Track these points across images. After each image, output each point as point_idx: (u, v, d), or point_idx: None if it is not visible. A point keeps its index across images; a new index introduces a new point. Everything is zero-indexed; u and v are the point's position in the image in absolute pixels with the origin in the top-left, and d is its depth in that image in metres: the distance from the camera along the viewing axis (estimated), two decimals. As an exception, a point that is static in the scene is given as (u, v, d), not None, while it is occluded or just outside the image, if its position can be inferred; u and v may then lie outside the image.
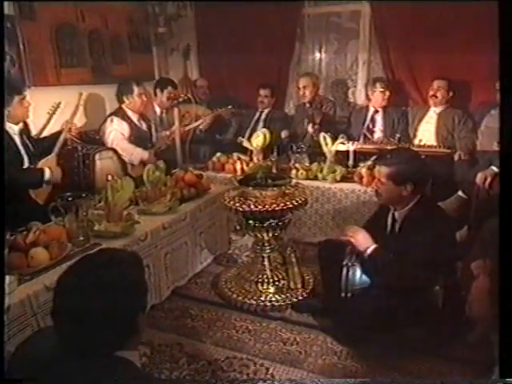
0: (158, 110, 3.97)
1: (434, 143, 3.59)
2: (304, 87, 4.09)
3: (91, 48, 3.85)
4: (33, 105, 2.87)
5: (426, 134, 3.74)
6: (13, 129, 2.75)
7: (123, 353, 1.04)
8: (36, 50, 3.36)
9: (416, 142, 3.67)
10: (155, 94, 3.98)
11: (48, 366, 1.04)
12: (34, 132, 3.11)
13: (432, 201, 2.15)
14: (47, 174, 2.80)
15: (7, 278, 1.74)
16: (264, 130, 3.36)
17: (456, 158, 3.37)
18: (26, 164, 2.83)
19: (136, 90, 3.52)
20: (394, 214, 2.13)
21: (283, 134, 3.97)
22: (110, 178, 2.45)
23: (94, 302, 0.98)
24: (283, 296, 2.49)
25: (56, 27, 3.51)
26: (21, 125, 2.82)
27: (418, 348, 2.06)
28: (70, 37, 3.65)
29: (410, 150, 2.51)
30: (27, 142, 2.86)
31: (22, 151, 2.81)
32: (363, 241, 2.07)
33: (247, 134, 3.94)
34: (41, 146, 2.98)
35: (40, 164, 2.86)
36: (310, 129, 3.76)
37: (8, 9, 3.14)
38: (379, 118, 3.92)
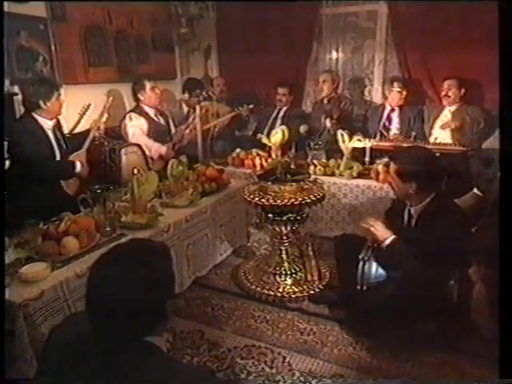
0: (185, 109, 4.00)
1: (450, 141, 3.53)
2: (323, 81, 4.07)
3: (117, 48, 3.90)
4: (66, 102, 2.93)
5: (442, 132, 3.68)
6: (47, 124, 2.80)
7: (151, 338, 1.05)
8: (66, 50, 3.42)
9: (431, 139, 3.62)
10: (183, 93, 4.00)
11: (80, 348, 1.06)
12: (65, 129, 3.16)
13: (448, 198, 2.11)
14: (78, 166, 2.85)
15: (41, 264, 1.79)
16: (283, 127, 3.35)
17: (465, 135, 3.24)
18: (58, 158, 2.88)
19: (148, 85, 3.56)
20: (410, 210, 2.10)
21: (302, 128, 3.94)
22: (135, 171, 2.48)
23: (126, 289, 0.99)
24: (300, 288, 2.49)
25: (85, 28, 3.57)
26: (54, 121, 2.87)
27: (432, 341, 2.04)
28: (98, 37, 3.71)
29: (424, 148, 2.47)
30: (59, 137, 2.92)
31: (55, 146, 2.86)
32: (383, 231, 2.04)
33: (266, 131, 3.94)
34: (71, 142, 3.04)
35: (71, 158, 2.91)
36: (327, 123, 3.73)
37: (41, 11, 3.20)
38: (395, 116, 3.87)
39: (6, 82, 2.84)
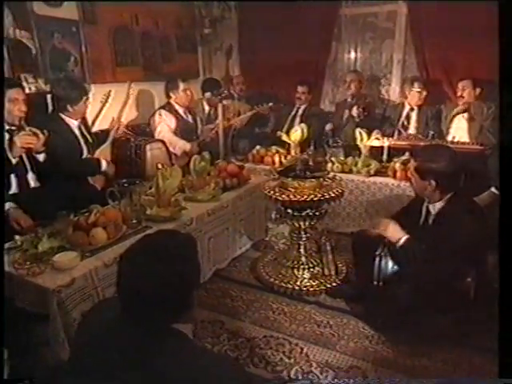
0: (206, 107, 4.02)
1: (467, 140, 3.45)
2: (351, 81, 4.03)
3: (143, 48, 3.95)
4: (92, 102, 2.98)
5: (459, 131, 3.60)
6: (73, 123, 2.87)
7: (178, 325, 1.06)
8: (96, 50, 3.49)
9: (449, 138, 3.55)
10: (203, 93, 4.02)
11: (110, 332, 1.08)
12: (89, 120, 3.22)
13: (467, 196, 2.08)
14: (104, 165, 2.91)
15: (72, 253, 1.83)
16: (302, 125, 3.34)
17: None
18: (85, 153, 2.95)
19: (181, 85, 3.62)
20: (428, 207, 2.07)
21: (327, 127, 3.93)
22: (159, 166, 2.50)
23: (154, 277, 1.00)
24: (317, 282, 2.48)
25: (114, 30, 3.63)
26: (79, 119, 2.93)
27: (448, 336, 2.01)
28: (125, 38, 3.77)
29: (445, 147, 2.42)
30: (85, 133, 2.98)
31: (82, 142, 2.93)
32: (394, 233, 2.03)
33: (285, 129, 3.94)
34: (96, 137, 3.10)
35: (97, 153, 2.97)
36: (354, 111, 3.69)
37: (73, 14, 3.28)
38: (414, 115, 3.81)
39: (40, 82, 2.90)
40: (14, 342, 1.49)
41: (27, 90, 2.78)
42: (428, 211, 2.08)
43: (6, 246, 1.91)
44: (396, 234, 2.02)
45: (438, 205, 2.01)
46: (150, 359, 1.00)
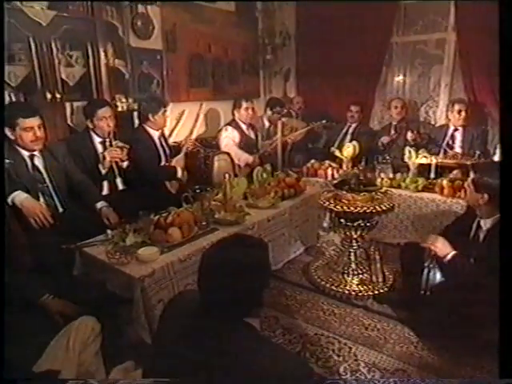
0: (266, 123, 4.06)
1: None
2: (402, 107, 3.95)
3: (213, 72, 4.06)
4: (170, 117, 3.12)
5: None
6: (154, 133, 3.02)
7: (249, 319, 1.07)
8: (174, 74, 3.64)
9: (496, 159, 3.31)
10: (265, 111, 4.07)
11: (189, 321, 1.11)
12: (167, 133, 3.36)
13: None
14: (179, 172, 3.02)
15: (153, 248, 1.91)
16: (354, 142, 3.27)
17: None
18: (163, 161, 3.09)
19: (244, 104, 3.67)
20: (479, 222, 1.94)
21: (384, 139, 3.84)
22: (227, 176, 2.55)
23: (231, 276, 1.02)
24: (366, 287, 2.40)
25: (190, 56, 3.77)
26: (160, 131, 3.08)
27: (494, 350, 1.86)
28: (199, 64, 3.89)
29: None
30: (164, 144, 3.12)
31: (161, 151, 3.07)
32: (443, 248, 1.93)
33: (336, 145, 3.88)
34: (173, 148, 3.23)
35: (173, 162, 3.11)
36: (409, 135, 3.58)
37: (158, 44, 3.46)
38: (459, 135, 3.60)
39: (130, 101, 3.08)
40: (105, 319, 1.58)
41: (120, 109, 2.96)
42: (479, 226, 1.95)
43: (100, 238, 2.05)
44: (444, 249, 1.92)
45: (490, 221, 1.88)
46: (224, 347, 1.02)
